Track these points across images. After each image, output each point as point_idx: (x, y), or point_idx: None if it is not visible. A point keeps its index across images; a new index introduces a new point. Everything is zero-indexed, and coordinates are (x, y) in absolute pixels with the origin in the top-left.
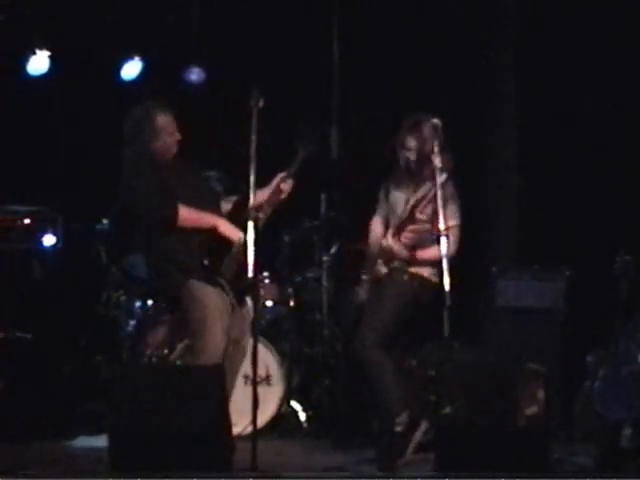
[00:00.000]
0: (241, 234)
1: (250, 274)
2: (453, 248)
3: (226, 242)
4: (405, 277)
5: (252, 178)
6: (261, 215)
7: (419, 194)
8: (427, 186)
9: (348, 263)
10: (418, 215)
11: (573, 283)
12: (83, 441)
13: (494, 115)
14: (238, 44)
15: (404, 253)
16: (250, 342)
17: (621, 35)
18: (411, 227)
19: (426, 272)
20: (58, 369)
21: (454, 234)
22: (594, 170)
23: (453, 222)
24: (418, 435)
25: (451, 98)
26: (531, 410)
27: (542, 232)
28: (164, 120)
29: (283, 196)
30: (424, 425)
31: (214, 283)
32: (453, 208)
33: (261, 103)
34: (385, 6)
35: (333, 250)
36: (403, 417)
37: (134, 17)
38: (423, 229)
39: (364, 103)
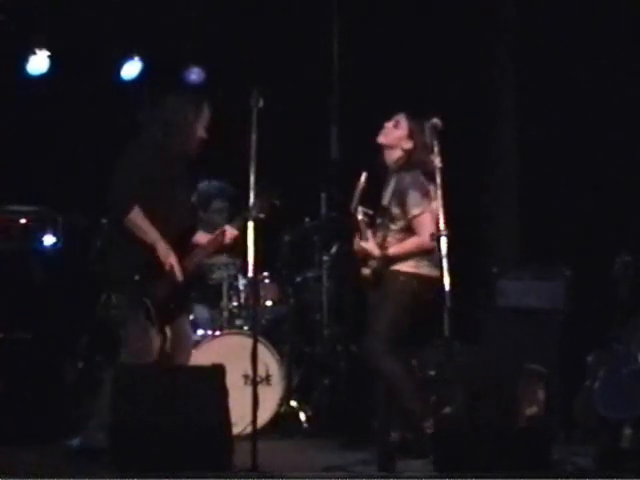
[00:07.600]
0: (174, 262)
1: (250, 274)
2: (421, 240)
3: (162, 265)
4: (402, 278)
5: (252, 178)
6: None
7: (389, 189)
8: (393, 179)
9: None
10: (393, 209)
11: (573, 283)
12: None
13: (494, 114)
14: (238, 44)
15: (376, 252)
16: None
17: (623, 31)
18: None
19: (425, 270)
20: (58, 369)
21: (419, 224)
22: (594, 170)
23: (416, 211)
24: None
25: (451, 97)
26: (531, 410)
27: (542, 232)
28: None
29: (226, 242)
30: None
31: (139, 301)
32: (415, 197)
33: (261, 103)
34: (384, 5)
35: (333, 250)
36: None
37: (134, 17)
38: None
39: (364, 103)
